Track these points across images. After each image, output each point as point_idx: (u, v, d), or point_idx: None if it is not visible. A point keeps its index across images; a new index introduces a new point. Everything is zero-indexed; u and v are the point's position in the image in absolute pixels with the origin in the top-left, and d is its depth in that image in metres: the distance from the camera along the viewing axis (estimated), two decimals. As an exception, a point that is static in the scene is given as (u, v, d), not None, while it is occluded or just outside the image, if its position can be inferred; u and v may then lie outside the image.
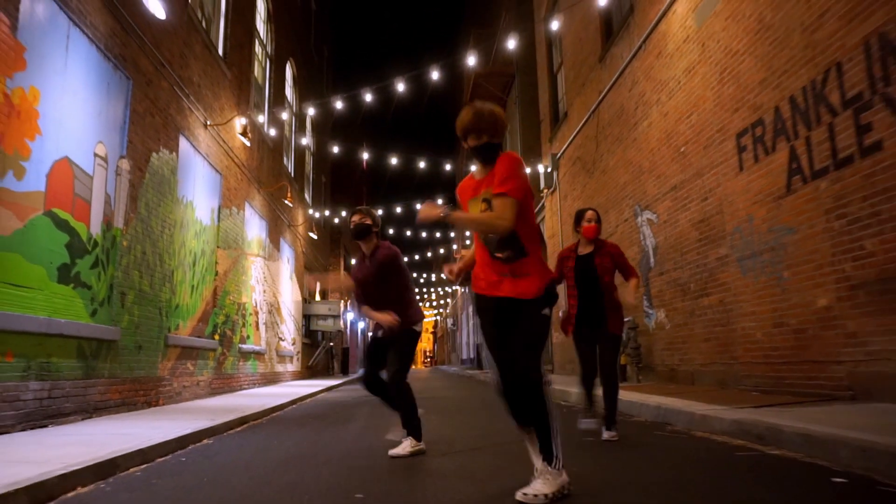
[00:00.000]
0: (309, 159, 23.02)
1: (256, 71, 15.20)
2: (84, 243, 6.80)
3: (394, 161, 16.41)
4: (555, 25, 12.15)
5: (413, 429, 4.49)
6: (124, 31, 7.69)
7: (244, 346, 13.18)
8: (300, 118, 20.92)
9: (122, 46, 7.67)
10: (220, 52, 12.19)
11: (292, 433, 6.10)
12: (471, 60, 12.05)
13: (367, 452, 4.68)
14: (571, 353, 14.53)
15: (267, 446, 5.21)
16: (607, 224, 11.95)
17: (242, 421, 7.07)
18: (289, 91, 19.31)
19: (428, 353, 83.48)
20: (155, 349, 8.53)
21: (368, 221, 4.72)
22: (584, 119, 13.37)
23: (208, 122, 10.95)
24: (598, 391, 4.96)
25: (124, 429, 5.73)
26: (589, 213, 5.04)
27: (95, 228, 7.07)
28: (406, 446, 4.42)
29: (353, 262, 4.97)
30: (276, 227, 16.96)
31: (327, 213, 24.41)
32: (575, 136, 14.21)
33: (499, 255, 3.06)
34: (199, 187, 10.57)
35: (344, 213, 23.67)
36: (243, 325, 13.26)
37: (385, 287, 4.65)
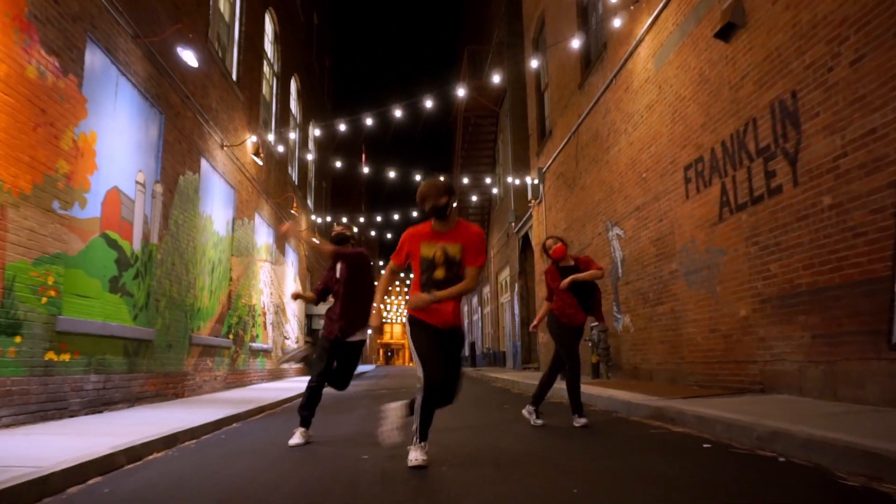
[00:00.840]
0: (312, 167, 24.23)
1: (265, 89, 16.42)
2: (128, 258, 8.03)
3: (391, 174, 17.61)
4: (538, 58, 13.34)
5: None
6: (159, 73, 8.91)
7: (254, 344, 14.43)
8: (304, 130, 22.12)
9: (157, 86, 8.89)
10: (234, 77, 13.41)
11: (305, 419, 7.32)
12: (462, 88, 13.27)
13: (369, 432, 5.90)
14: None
15: (286, 429, 6.44)
16: (584, 236, 13.20)
17: (261, 410, 8.32)
18: (293, 104, 20.53)
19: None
20: (181, 348, 9.77)
21: (348, 233, 5.84)
22: (566, 138, 14.57)
23: (224, 144, 12.17)
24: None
25: (167, 414, 6.97)
26: (548, 241, 6.25)
27: (136, 245, 8.29)
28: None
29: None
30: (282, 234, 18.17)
31: (329, 218, 25.62)
32: (558, 154, 15.41)
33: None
34: (216, 202, 11.79)
35: (345, 219, 24.86)
36: (253, 325, 14.51)
37: (356, 285, 5.60)
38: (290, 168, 19.52)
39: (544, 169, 17.10)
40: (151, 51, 8.58)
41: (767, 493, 2.99)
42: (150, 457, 4.72)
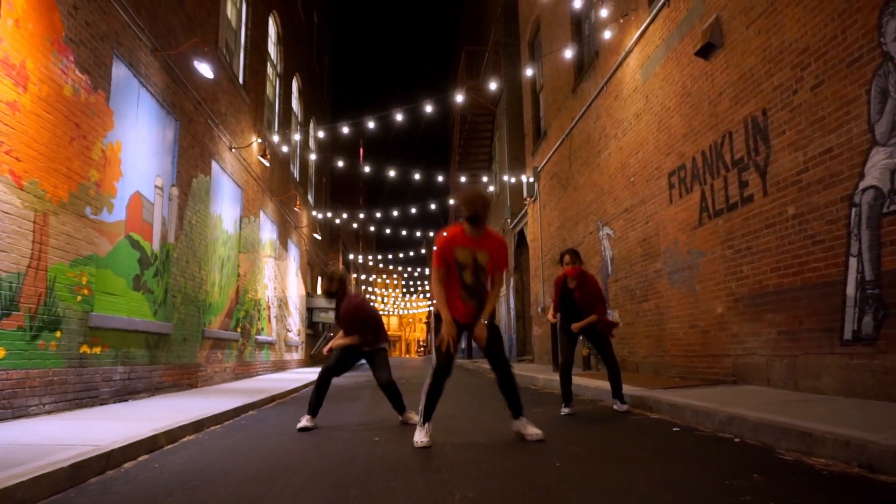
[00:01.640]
0: (312, 164, 24.79)
1: (268, 90, 16.97)
2: (149, 258, 8.61)
3: (391, 173, 18.17)
4: (533, 67, 13.88)
5: (402, 407, 6.11)
6: (175, 82, 9.47)
7: (259, 337, 15.04)
8: (305, 128, 22.66)
9: (173, 95, 9.45)
10: (241, 80, 13.96)
11: (315, 407, 7.92)
12: (460, 93, 13.82)
13: (375, 419, 6.52)
14: (547, 345, 16.42)
15: (298, 415, 7.02)
16: (576, 235, 13.80)
17: (272, 399, 8.92)
18: (295, 103, 21.07)
19: (421, 343, 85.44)
20: (195, 341, 10.36)
21: (335, 287, 6.20)
22: (560, 140, 15.16)
23: (233, 146, 12.73)
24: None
25: (188, 403, 7.56)
26: (566, 257, 6.59)
27: (156, 245, 8.87)
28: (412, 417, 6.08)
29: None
30: (285, 230, 18.77)
31: (329, 214, 26.18)
32: (552, 154, 15.99)
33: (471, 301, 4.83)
34: (225, 202, 12.37)
35: (345, 215, 25.43)
36: (258, 318, 15.10)
37: (357, 323, 6.22)
38: (292, 166, 20.08)
39: (539, 168, 17.66)
40: (168, 62, 9.13)
41: (717, 465, 3.59)
42: (185, 439, 5.32)
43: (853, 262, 5.47)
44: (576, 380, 9.12)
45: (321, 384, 6.07)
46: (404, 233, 28.47)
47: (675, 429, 5.04)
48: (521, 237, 21.45)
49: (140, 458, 4.41)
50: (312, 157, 22.50)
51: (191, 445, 4.99)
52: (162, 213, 9.13)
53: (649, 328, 9.97)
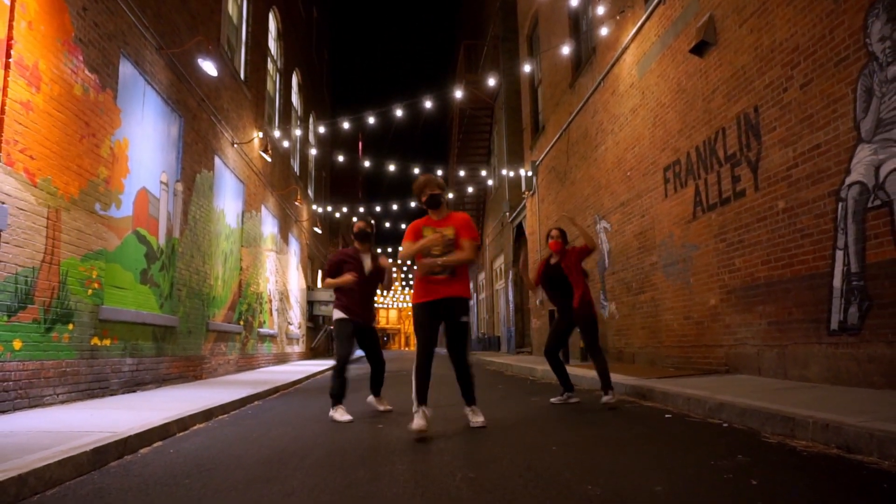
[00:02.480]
0: (312, 158, 24.95)
1: (269, 86, 17.12)
2: (155, 252, 8.80)
3: (391, 167, 18.34)
4: (531, 63, 14.04)
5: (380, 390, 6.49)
6: (179, 80, 9.63)
7: (261, 330, 15.24)
8: (305, 122, 22.80)
9: (178, 92, 9.61)
10: (242, 76, 14.11)
11: (317, 398, 8.13)
12: (459, 89, 13.98)
13: (377, 409, 6.71)
14: (545, 337, 16.58)
15: (303, 405, 7.26)
16: (574, 228, 13.97)
17: (276, 390, 9.12)
18: (294, 97, 21.22)
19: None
20: (200, 333, 10.56)
21: (370, 230, 6.46)
22: (558, 135, 15.35)
23: (235, 142, 12.90)
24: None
25: (195, 393, 7.76)
26: (552, 231, 6.82)
27: (161, 240, 9.05)
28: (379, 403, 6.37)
29: (342, 255, 6.41)
30: (286, 224, 18.95)
31: (329, 208, 26.35)
32: (550, 149, 16.19)
33: (440, 274, 5.03)
34: (227, 197, 12.54)
35: (345, 209, 25.60)
36: (260, 311, 15.30)
37: (373, 285, 6.44)
38: (292, 161, 20.25)
39: (537, 162, 17.84)
40: (173, 60, 9.29)
41: (704, 448, 3.79)
42: (195, 427, 5.52)
43: (839, 254, 5.67)
44: (573, 370, 9.34)
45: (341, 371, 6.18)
46: (403, 226, 28.68)
47: (667, 416, 5.25)
48: (520, 231, 21.64)
49: (155, 445, 4.61)
50: (312, 151, 22.67)
51: (202, 433, 5.19)
52: (167, 208, 9.31)
53: (645, 320, 10.17)
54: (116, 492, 3.17)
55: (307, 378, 11.91)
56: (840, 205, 5.68)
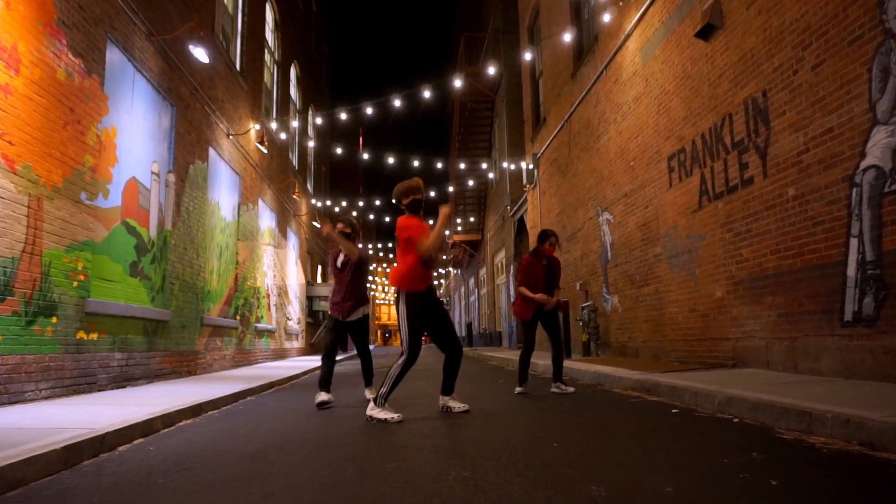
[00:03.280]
0: (311, 152, 24.71)
1: (266, 77, 16.87)
2: (146, 244, 8.57)
3: (391, 160, 18.11)
4: (532, 51, 13.79)
5: (371, 380, 6.70)
6: (171, 68, 9.40)
7: (259, 325, 15.02)
8: (304, 116, 22.56)
9: (169, 80, 9.38)
10: (238, 67, 13.87)
11: (313, 393, 7.88)
12: (459, 78, 13.74)
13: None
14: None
15: (298, 400, 7.04)
16: (576, 221, 13.76)
17: (271, 385, 8.90)
18: (293, 90, 20.97)
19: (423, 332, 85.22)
20: (194, 328, 10.34)
21: (349, 230, 6.65)
22: (559, 126, 15.09)
23: (230, 133, 12.67)
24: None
25: (187, 389, 7.54)
26: (552, 238, 6.94)
27: (153, 231, 8.83)
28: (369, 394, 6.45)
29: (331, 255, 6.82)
30: (284, 218, 18.72)
31: (328, 202, 26.11)
32: (552, 140, 15.93)
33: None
34: (223, 189, 12.31)
35: (344, 203, 25.37)
36: (258, 306, 15.08)
37: (360, 275, 6.60)
38: (290, 154, 20.01)
39: (539, 155, 17.59)
40: (164, 47, 9.06)
41: (715, 444, 3.56)
42: (182, 423, 5.30)
43: (854, 242, 5.43)
44: (574, 364, 9.12)
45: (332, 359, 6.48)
46: (404, 221, 28.39)
47: (673, 410, 5.02)
48: (521, 224, 21.40)
49: (136, 442, 4.39)
50: (311, 143, 22.41)
51: (188, 429, 4.97)
52: (159, 199, 9.08)
53: (649, 313, 9.94)
54: (83, 493, 2.94)
55: (304, 374, 11.69)
56: (854, 190, 5.44)
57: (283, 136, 17.65)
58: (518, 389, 6.79)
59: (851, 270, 5.46)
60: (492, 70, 14.21)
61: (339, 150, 17.29)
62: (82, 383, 6.78)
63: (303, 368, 12.31)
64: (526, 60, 19.06)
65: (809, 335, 6.00)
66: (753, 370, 6.74)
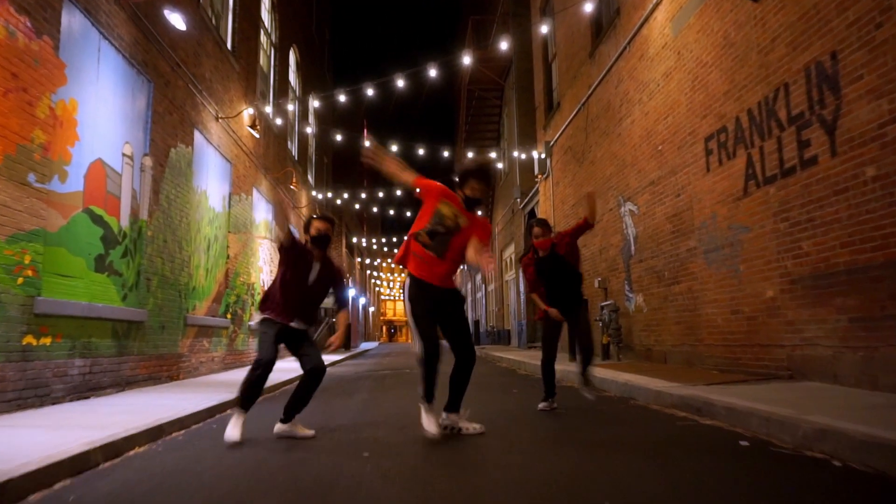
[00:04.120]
0: (312, 142, 23.71)
1: (262, 60, 15.86)
2: (116, 235, 7.60)
3: (394, 148, 17.11)
4: (547, 24, 12.80)
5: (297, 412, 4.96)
6: (146, 38, 8.41)
7: (253, 323, 14.04)
8: (304, 103, 21.58)
9: (144, 52, 8.39)
10: (229, 46, 12.87)
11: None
12: (467, 55, 12.73)
13: (371, 419, 5.53)
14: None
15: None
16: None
17: (271, 389, 7.91)
18: (292, 76, 19.95)
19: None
20: (176, 328, 9.37)
21: (331, 234, 5.07)
22: (575, 111, 14.06)
23: (219, 116, 11.68)
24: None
25: (158, 400, 6.58)
26: (535, 230, 5.93)
27: (125, 221, 7.86)
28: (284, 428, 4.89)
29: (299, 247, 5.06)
30: (282, 210, 17.72)
31: (330, 194, 25.13)
32: (566, 127, 14.90)
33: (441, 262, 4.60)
34: (211, 177, 11.33)
35: (346, 195, 24.39)
36: (252, 304, 14.11)
37: (321, 288, 5.05)
38: (289, 143, 19.02)
39: (552, 143, 16.59)
40: (137, 13, 8.07)
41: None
42: (132, 452, 4.33)
43: (959, 232, 4.41)
44: (599, 372, 8.10)
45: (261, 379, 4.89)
46: (409, 214, 27.37)
47: (742, 442, 4.00)
48: (532, 217, 20.36)
49: (59, 485, 3.41)
50: (309, 130, 21.37)
51: (136, 462, 4.00)
52: (132, 185, 8.10)
53: (680, 314, 8.92)
54: None
55: (299, 378, 10.70)
56: (959, 168, 4.41)
57: (279, 121, 16.63)
58: (541, 405, 5.79)
59: (956, 266, 4.44)
60: (504, 46, 13.15)
61: (339, 137, 16.30)
62: (30, 396, 5.82)
63: (297, 372, 11.31)
64: (538, 42, 18.04)
65: (893, 345, 4.98)
66: (819, 384, 5.72)
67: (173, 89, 9.41)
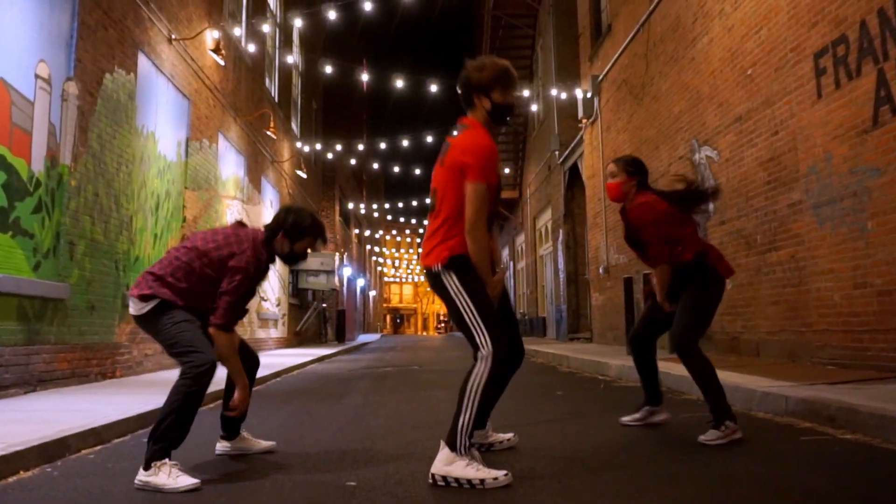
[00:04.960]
0: (297, 81, 23.08)
1: (230, -28, 15.14)
2: (24, 183, 6.92)
3: (399, 84, 16.38)
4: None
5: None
6: (67, -77, 7.67)
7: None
8: (285, 31, 20.84)
9: (65, -57, 7.66)
10: (186, -52, 12.13)
11: (276, 411, 6.31)
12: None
13: (363, 432, 4.88)
14: (612, 319, 14.75)
15: (246, 426, 5.35)
16: (658, 163, 11.99)
17: (215, 397, 7.23)
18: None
19: (442, 318, 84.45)
20: (111, 310, 8.74)
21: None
22: (632, 34, 13.54)
23: (173, 36, 10.99)
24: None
25: (76, 404, 5.97)
26: (610, 167, 4.94)
27: (38, 165, 7.17)
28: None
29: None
30: (257, 164, 17.10)
31: (318, 146, 24.49)
32: (620, 55, 14.40)
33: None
34: (162, 115, 10.65)
35: (339, 147, 23.73)
36: (218, 281, 13.50)
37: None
38: (267, 79, 18.35)
39: (600, 77, 16.02)
40: None
41: None
42: (12, 479, 3.63)
43: None
44: (670, 367, 7.35)
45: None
46: (418, 172, 26.63)
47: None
48: (575, 174, 19.61)
49: None
50: (291, 59, 20.61)
51: (10, 494, 3.29)
52: (49, 117, 7.41)
53: (778, 290, 8.23)
54: None
55: (275, 375, 10.12)
56: None
57: (252, 48, 15.91)
58: (625, 419, 5.05)
59: None
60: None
61: (329, 69, 15.56)
62: None
63: (275, 367, 10.73)
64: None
65: None
66: None
67: (107, -3, 8.69)
